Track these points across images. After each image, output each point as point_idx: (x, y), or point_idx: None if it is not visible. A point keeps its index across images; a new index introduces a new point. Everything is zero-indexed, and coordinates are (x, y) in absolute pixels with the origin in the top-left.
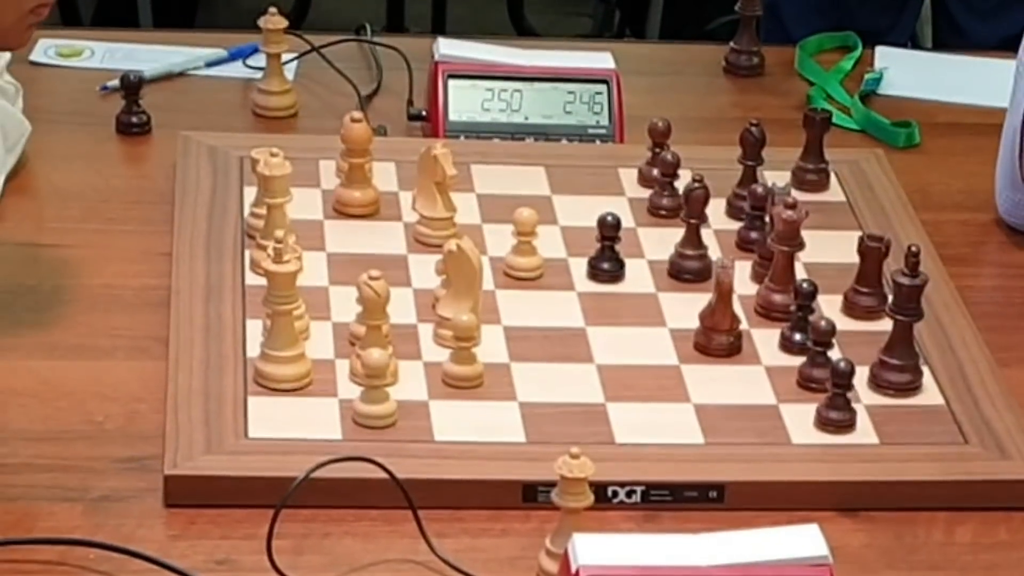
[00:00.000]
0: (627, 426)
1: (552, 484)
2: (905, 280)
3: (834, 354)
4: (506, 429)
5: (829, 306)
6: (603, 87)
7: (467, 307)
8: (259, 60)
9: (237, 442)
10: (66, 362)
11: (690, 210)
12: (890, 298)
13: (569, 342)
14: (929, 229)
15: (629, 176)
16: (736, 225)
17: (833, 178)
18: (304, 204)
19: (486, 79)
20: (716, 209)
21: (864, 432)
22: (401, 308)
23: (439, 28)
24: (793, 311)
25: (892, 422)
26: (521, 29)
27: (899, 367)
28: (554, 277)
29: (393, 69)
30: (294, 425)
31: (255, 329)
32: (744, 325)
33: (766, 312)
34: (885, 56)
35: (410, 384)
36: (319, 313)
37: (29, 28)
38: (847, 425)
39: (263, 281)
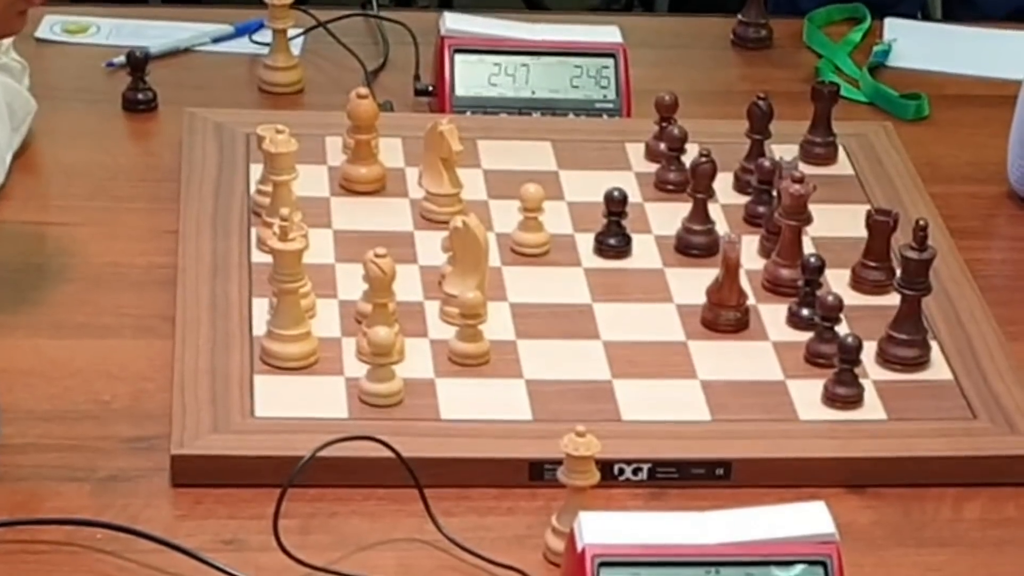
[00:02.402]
0: (633, 403)
1: (559, 462)
2: (913, 254)
3: (842, 329)
4: (512, 407)
5: (837, 281)
6: (610, 61)
7: (473, 284)
8: (265, 36)
9: (244, 421)
10: (72, 341)
11: (697, 185)
12: (898, 272)
13: (576, 319)
14: (938, 202)
15: (636, 151)
16: (743, 199)
17: (841, 151)
18: (310, 181)
19: (493, 54)
20: (723, 183)
21: (872, 408)
22: (407, 285)
23: (445, 2)
24: (800, 286)
25: (900, 397)
26: (530, 1)
27: (907, 342)
28: (561, 253)
29: (399, 44)
30: (300, 404)
31: (261, 307)
32: (751, 300)
33: (773, 287)
34: (894, 28)
35: (416, 362)
36: (325, 291)
37: (20, 15)
38: (855, 401)
39: (270, 259)
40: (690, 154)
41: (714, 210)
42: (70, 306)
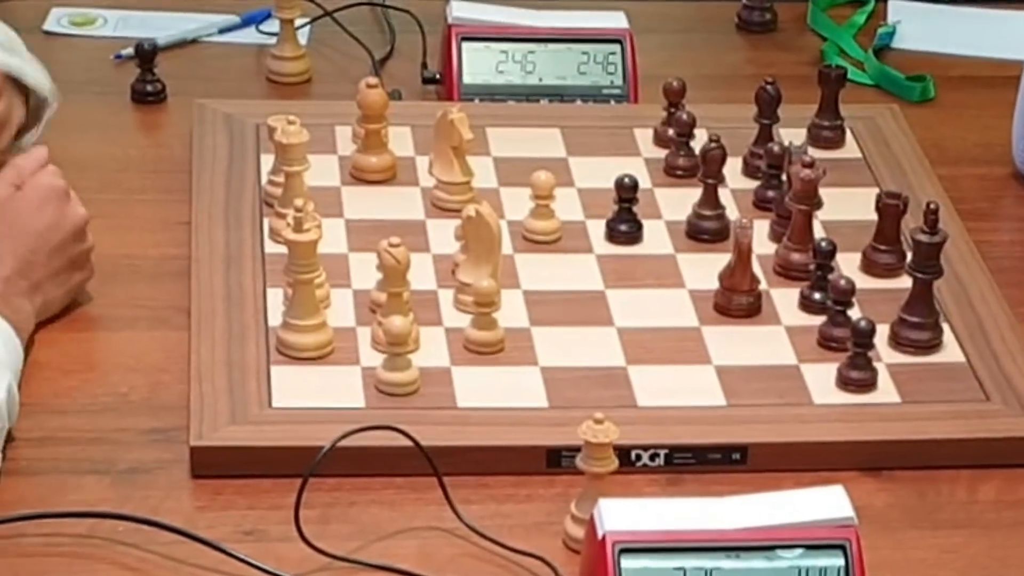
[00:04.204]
0: (649, 389)
1: (576, 449)
2: (924, 238)
3: (854, 313)
4: (529, 394)
5: (848, 264)
6: (617, 47)
7: (487, 272)
8: (272, 26)
9: (261, 412)
10: (88, 334)
11: (707, 170)
12: (909, 256)
13: (588, 305)
14: (946, 184)
15: (645, 136)
16: (753, 184)
17: (849, 134)
18: (321, 170)
19: (500, 41)
20: (733, 168)
21: (885, 391)
22: (421, 274)
23: None
24: (812, 270)
25: (913, 380)
26: None
27: (919, 325)
28: (572, 240)
29: (406, 32)
30: (317, 394)
31: (275, 298)
32: (763, 285)
33: (785, 272)
34: (898, 9)
35: (432, 350)
36: (339, 280)
37: None
38: (868, 384)
39: (282, 249)
40: (699, 139)
41: (724, 195)
42: (84, 299)
